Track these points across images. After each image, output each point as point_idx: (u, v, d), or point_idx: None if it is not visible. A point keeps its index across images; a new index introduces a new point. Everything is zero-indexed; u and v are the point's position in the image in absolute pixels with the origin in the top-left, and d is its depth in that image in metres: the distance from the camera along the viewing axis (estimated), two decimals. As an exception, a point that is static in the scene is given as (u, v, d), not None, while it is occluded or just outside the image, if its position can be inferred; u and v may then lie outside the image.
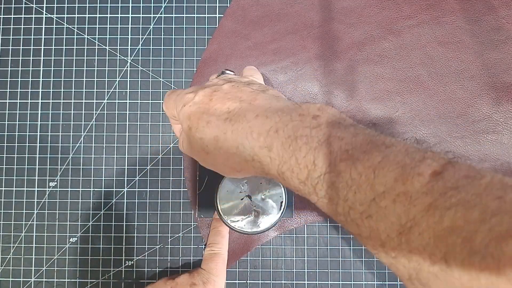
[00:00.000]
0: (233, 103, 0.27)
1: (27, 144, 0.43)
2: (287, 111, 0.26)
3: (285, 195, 0.37)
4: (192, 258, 0.42)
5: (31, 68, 0.43)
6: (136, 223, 0.42)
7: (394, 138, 0.23)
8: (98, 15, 0.44)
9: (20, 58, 0.43)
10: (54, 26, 0.44)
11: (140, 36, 0.44)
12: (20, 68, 0.43)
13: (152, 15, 0.44)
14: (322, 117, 0.25)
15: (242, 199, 0.37)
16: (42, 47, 0.44)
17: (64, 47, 0.44)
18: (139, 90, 0.43)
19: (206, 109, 0.28)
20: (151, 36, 0.44)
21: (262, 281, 0.42)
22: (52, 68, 0.43)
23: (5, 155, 0.43)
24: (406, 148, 0.22)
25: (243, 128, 0.26)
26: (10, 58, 0.43)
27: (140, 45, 0.44)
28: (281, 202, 0.37)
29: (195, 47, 0.44)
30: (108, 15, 0.44)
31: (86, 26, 0.44)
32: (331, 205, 0.23)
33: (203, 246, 0.42)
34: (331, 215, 0.24)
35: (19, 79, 0.43)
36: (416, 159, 0.21)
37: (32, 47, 0.44)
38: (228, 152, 0.27)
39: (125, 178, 0.42)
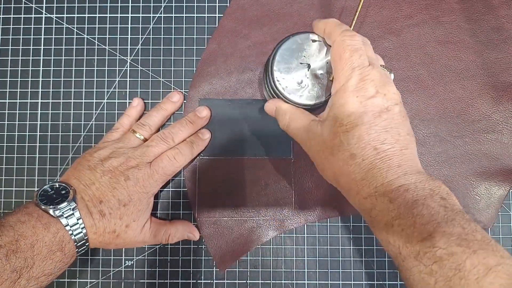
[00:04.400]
0: (390, 137, 0.29)
1: (27, 144, 0.43)
2: (422, 179, 0.28)
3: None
4: (192, 258, 0.42)
5: (30, 68, 0.43)
6: (136, 223, 0.42)
7: (507, 251, 0.26)
8: (97, 15, 0.44)
9: (20, 58, 0.43)
10: (54, 26, 0.44)
11: (140, 36, 0.44)
12: (19, 68, 0.43)
13: (151, 15, 0.44)
14: (449, 201, 0.27)
15: (301, 64, 0.35)
16: (42, 47, 0.44)
17: (63, 47, 0.44)
18: (139, 90, 0.43)
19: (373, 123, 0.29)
20: (151, 36, 0.44)
21: (262, 281, 0.42)
22: (52, 68, 0.43)
23: (5, 155, 0.43)
24: None
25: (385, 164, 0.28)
26: (9, 58, 0.43)
27: (139, 45, 0.44)
28: (330, 93, 0.34)
29: (194, 47, 0.44)
30: (108, 15, 0.44)
31: (86, 26, 0.44)
32: (429, 277, 0.25)
33: (203, 246, 0.42)
34: (419, 282, 0.26)
35: (19, 79, 0.43)
36: None
37: (31, 47, 0.44)
38: (358, 167, 0.29)
39: (125, 178, 0.42)
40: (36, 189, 0.42)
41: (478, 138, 0.42)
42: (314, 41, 0.35)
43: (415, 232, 0.26)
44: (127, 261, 0.42)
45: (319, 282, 0.42)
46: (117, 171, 0.36)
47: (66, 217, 0.33)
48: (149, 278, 0.42)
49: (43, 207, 0.33)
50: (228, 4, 0.44)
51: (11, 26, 0.44)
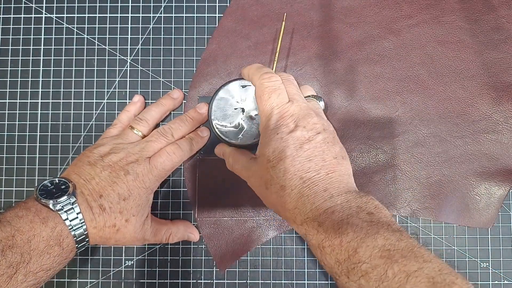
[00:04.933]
0: (314, 165, 0.31)
1: (27, 144, 0.43)
2: (349, 198, 0.30)
3: None
4: (192, 258, 0.42)
5: (30, 68, 0.43)
6: (136, 223, 0.42)
7: (432, 254, 0.26)
8: (97, 15, 0.44)
9: (20, 58, 0.43)
10: (54, 25, 0.44)
11: (140, 36, 0.44)
12: (19, 68, 0.43)
13: (151, 15, 0.44)
14: (376, 215, 0.29)
15: (236, 109, 0.39)
16: (42, 47, 0.44)
17: (63, 47, 0.44)
18: (139, 90, 0.43)
19: (298, 147, 0.32)
20: (151, 36, 0.44)
21: (262, 281, 0.42)
22: (52, 68, 0.43)
23: (5, 155, 0.43)
24: (441, 268, 0.25)
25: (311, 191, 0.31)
26: (9, 58, 0.43)
27: (139, 44, 0.44)
28: None
29: (194, 47, 0.44)
30: (108, 15, 0.44)
31: (86, 25, 0.44)
32: None
33: (203, 246, 0.42)
34: None
35: (19, 79, 0.43)
36: (446, 281, 0.24)
37: (31, 47, 0.44)
38: (288, 197, 0.31)
39: (125, 178, 0.42)
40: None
41: (478, 138, 0.42)
42: (244, 86, 0.39)
43: (342, 251, 0.28)
44: (127, 261, 0.42)
45: (319, 282, 0.42)
46: (117, 166, 0.36)
47: (65, 211, 0.33)
48: (149, 278, 0.42)
49: (43, 201, 0.33)
50: (228, 4, 0.44)
51: (11, 26, 0.44)
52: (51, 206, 0.33)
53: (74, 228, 0.33)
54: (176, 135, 0.39)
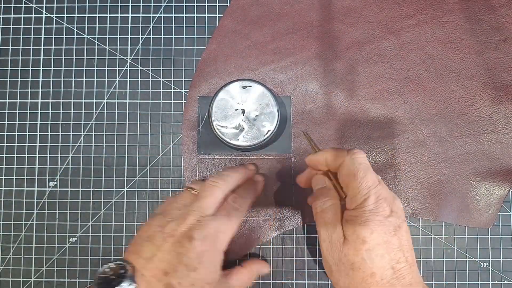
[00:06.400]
0: (402, 255, 0.30)
1: (27, 144, 0.43)
2: None
3: (275, 129, 0.39)
4: (192, 258, 0.42)
5: (30, 68, 0.43)
6: (136, 223, 0.42)
7: None
8: (97, 15, 0.44)
9: (20, 57, 0.43)
10: (54, 25, 0.44)
11: (140, 36, 0.44)
12: (19, 68, 0.43)
13: (151, 15, 0.44)
14: None
15: (236, 110, 0.39)
16: (42, 47, 0.44)
17: (63, 47, 0.44)
18: (139, 90, 0.43)
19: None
20: (151, 36, 0.44)
21: (262, 281, 0.42)
22: (52, 68, 0.43)
23: (5, 155, 0.43)
24: None
25: None
26: (9, 57, 0.43)
27: (139, 44, 0.44)
28: (268, 131, 0.39)
29: (194, 47, 0.44)
30: (108, 15, 0.44)
31: (86, 25, 0.44)
32: None
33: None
34: None
35: (19, 79, 0.43)
36: None
37: (31, 47, 0.44)
38: (376, 285, 0.30)
39: (125, 178, 0.42)
40: (36, 189, 0.42)
41: (478, 138, 0.42)
42: (244, 87, 0.39)
43: None
44: (127, 261, 0.42)
45: (319, 282, 0.42)
46: (178, 234, 0.32)
47: None
48: (149, 278, 0.42)
49: None
50: (228, 4, 0.44)
51: (11, 26, 0.44)
52: None
53: None
54: (230, 183, 0.36)
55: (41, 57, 0.43)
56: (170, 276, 0.31)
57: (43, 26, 0.44)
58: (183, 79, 0.43)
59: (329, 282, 0.41)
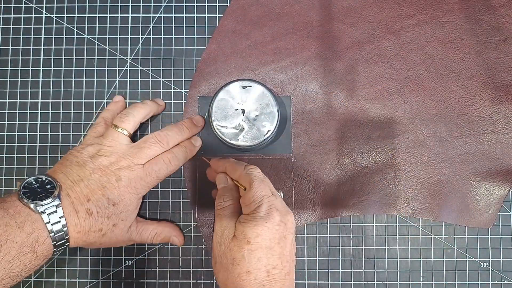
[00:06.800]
0: (280, 263, 0.33)
1: (27, 144, 0.43)
2: None
3: (275, 129, 0.39)
4: (192, 258, 0.42)
5: (30, 68, 0.43)
6: (136, 223, 0.42)
7: None
8: (97, 15, 0.44)
9: (20, 57, 0.43)
10: (54, 25, 0.44)
11: (140, 36, 0.44)
12: (19, 68, 0.43)
13: (151, 15, 0.44)
14: None
15: (236, 110, 0.39)
16: (42, 47, 0.44)
17: (63, 47, 0.44)
18: (139, 90, 0.43)
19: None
20: (151, 36, 0.44)
21: (262, 281, 0.42)
22: (52, 68, 0.43)
23: (5, 155, 0.43)
24: None
25: None
26: (9, 57, 0.43)
27: (139, 44, 0.44)
28: (268, 131, 0.39)
29: (195, 47, 0.44)
30: (108, 15, 0.44)
31: (86, 25, 0.44)
32: None
33: (203, 246, 0.42)
34: None
35: (19, 79, 0.43)
36: None
37: (31, 47, 0.44)
38: (248, 283, 0.32)
39: (125, 178, 0.42)
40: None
41: (478, 138, 0.42)
42: (244, 87, 0.39)
43: None
44: (127, 261, 0.42)
45: (319, 282, 0.42)
46: (108, 170, 0.35)
47: (48, 214, 0.32)
48: (149, 278, 0.42)
49: (25, 201, 0.32)
50: (228, 4, 0.44)
51: (11, 26, 0.44)
52: (33, 207, 0.32)
53: (55, 232, 0.32)
54: (172, 143, 0.39)
55: (41, 57, 0.43)
56: (91, 203, 0.34)
57: (43, 26, 0.44)
58: (183, 79, 0.43)
59: (329, 282, 0.42)
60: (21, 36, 0.44)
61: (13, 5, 0.44)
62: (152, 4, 0.44)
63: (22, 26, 0.44)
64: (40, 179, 0.33)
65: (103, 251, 0.42)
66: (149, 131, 0.43)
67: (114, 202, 0.35)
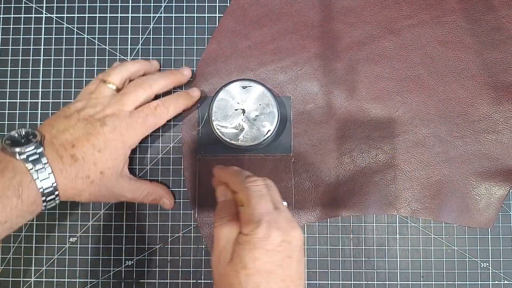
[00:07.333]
0: (289, 282, 0.30)
1: (26, 144, 0.43)
2: None
3: (275, 129, 0.39)
4: (192, 258, 0.42)
5: (30, 68, 0.43)
6: (136, 223, 0.42)
7: None
8: (97, 15, 0.44)
9: (20, 57, 0.43)
10: (54, 25, 0.44)
11: (140, 36, 0.44)
12: (19, 68, 0.43)
13: (152, 15, 0.44)
14: None
15: (236, 110, 0.39)
16: (42, 47, 0.44)
17: (63, 47, 0.44)
18: (139, 90, 0.43)
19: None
20: (151, 36, 0.44)
21: (262, 281, 0.42)
22: (52, 68, 0.43)
23: (4, 155, 0.43)
24: None
25: None
26: (9, 58, 0.43)
27: (139, 44, 0.44)
28: (268, 131, 0.39)
29: (195, 47, 0.44)
30: (108, 15, 0.44)
31: (86, 25, 0.44)
32: None
33: (203, 246, 0.42)
34: None
35: (19, 79, 0.43)
36: None
37: (31, 47, 0.44)
38: None
39: (125, 178, 0.42)
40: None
41: (478, 138, 0.42)
42: (244, 87, 0.39)
43: None
44: (127, 261, 0.42)
45: (319, 282, 0.42)
46: (93, 118, 0.35)
47: (31, 161, 0.31)
48: (149, 278, 0.42)
49: (7, 148, 0.31)
50: (228, 4, 0.44)
51: (11, 26, 0.44)
52: (16, 155, 0.31)
53: (40, 179, 0.31)
54: (155, 87, 0.38)
55: (41, 57, 0.43)
56: (76, 148, 0.34)
57: (43, 26, 0.44)
58: (183, 79, 0.43)
59: (329, 282, 0.42)
60: (21, 36, 0.44)
61: (13, 5, 0.44)
62: (152, 4, 0.44)
63: (22, 26, 0.44)
64: (21, 132, 0.33)
65: (103, 251, 0.42)
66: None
67: (99, 148, 0.34)
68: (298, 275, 0.31)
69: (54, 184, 0.32)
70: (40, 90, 0.43)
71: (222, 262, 0.31)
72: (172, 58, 0.43)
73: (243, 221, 0.31)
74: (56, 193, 0.33)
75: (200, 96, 0.41)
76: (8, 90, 0.43)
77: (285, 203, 0.34)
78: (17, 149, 0.31)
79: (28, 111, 0.43)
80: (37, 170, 0.31)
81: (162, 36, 0.44)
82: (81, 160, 0.34)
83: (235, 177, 0.34)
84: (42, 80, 0.43)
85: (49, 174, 0.32)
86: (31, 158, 0.31)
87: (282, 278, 0.30)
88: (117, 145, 0.35)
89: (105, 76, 0.38)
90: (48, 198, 0.33)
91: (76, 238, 0.42)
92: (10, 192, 0.30)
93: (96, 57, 0.43)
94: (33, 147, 0.32)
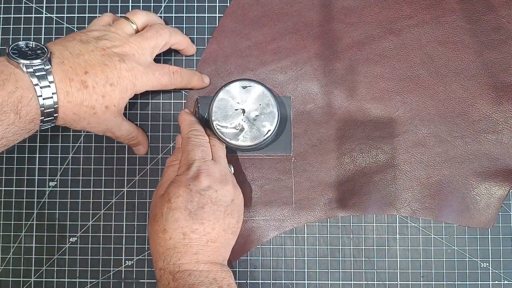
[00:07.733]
0: (202, 229, 0.33)
1: (27, 144, 0.43)
2: (211, 269, 0.33)
3: (275, 129, 0.39)
4: (192, 258, 0.42)
5: (30, 68, 0.43)
6: (136, 223, 0.42)
7: None
8: (97, 15, 0.44)
9: (20, 57, 0.43)
10: (54, 25, 0.44)
11: (140, 36, 0.44)
12: (19, 68, 0.43)
13: (151, 15, 0.44)
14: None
15: (236, 110, 0.39)
16: (42, 47, 0.44)
17: (63, 47, 0.44)
18: (139, 90, 0.43)
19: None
20: (151, 36, 0.44)
21: (262, 281, 0.42)
22: (52, 68, 0.43)
23: (5, 155, 0.43)
24: None
25: None
26: (9, 57, 0.43)
27: (140, 44, 0.44)
28: (268, 131, 0.39)
29: (194, 47, 0.44)
30: (108, 15, 0.44)
31: (86, 25, 0.44)
32: None
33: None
34: None
35: (19, 79, 0.43)
36: None
37: (31, 47, 0.44)
38: (163, 242, 0.33)
39: (125, 178, 0.42)
40: (36, 189, 0.42)
41: (478, 138, 0.42)
42: (244, 87, 0.39)
43: None
44: (127, 261, 0.42)
45: (319, 282, 0.42)
46: (111, 51, 0.34)
47: (37, 77, 0.30)
48: (149, 278, 0.42)
49: (13, 58, 0.30)
50: (228, 4, 0.44)
51: (11, 26, 0.44)
52: (22, 66, 0.30)
53: (43, 97, 0.30)
54: (174, 38, 0.39)
55: (41, 57, 0.43)
56: (89, 76, 0.32)
57: (43, 26, 0.44)
58: (183, 79, 0.43)
59: (329, 282, 0.42)
60: (21, 36, 0.44)
61: (13, 5, 0.44)
62: (152, 4, 0.44)
63: (22, 26, 0.44)
64: (29, 44, 0.31)
65: (103, 251, 0.42)
66: (149, 130, 0.43)
67: (112, 82, 0.33)
68: (224, 226, 0.33)
69: (56, 106, 0.31)
70: (40, 90, 0.43)
71: (157, 196, 0.34)
72: (172, 58, 0.43)
73: (180, 164, 0.35)
74: (56, 115, 0.32)
75: (207, 86, 0.43)
76: (8, 90, 0.43)
77: (232, 169, 0.38)
78: (25, 61, 0.30)
79: (28, 111, 0.43)
80: (42, 87, 0.30)
81: (162, 36, 0.44)
82: (91, 89, 0.32)
83: (184, 127, 0.37)
84: (42, 80, 0.43)
85: (52, 93, 0.31)
86: (38, 73, 0.30)
87: (201, 221, 0.32)
88: (128, 85, 0.35)
89: (130, 14, 0.38)
90: (47, 119, 0.31)
91: (76, 238, 0.42)
92: (8, 107, 0.29)
93: (96, 57, 0.43)
94: (40, 61, 0.30)
